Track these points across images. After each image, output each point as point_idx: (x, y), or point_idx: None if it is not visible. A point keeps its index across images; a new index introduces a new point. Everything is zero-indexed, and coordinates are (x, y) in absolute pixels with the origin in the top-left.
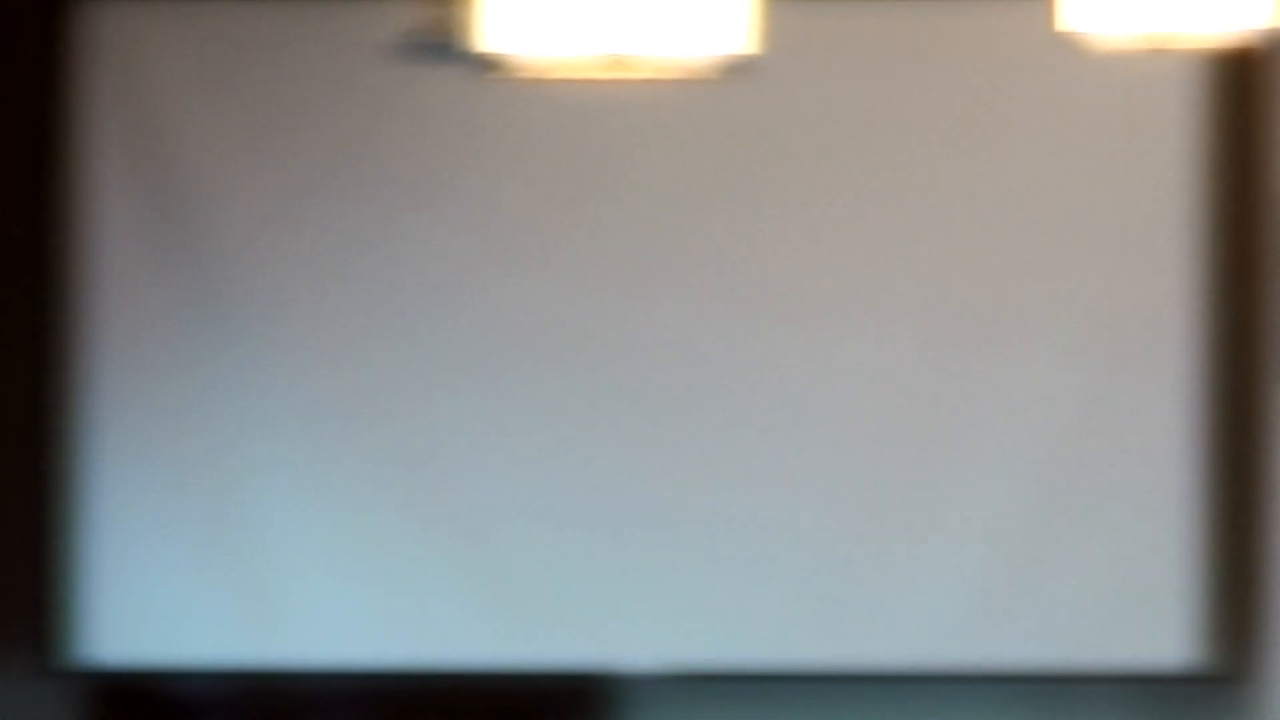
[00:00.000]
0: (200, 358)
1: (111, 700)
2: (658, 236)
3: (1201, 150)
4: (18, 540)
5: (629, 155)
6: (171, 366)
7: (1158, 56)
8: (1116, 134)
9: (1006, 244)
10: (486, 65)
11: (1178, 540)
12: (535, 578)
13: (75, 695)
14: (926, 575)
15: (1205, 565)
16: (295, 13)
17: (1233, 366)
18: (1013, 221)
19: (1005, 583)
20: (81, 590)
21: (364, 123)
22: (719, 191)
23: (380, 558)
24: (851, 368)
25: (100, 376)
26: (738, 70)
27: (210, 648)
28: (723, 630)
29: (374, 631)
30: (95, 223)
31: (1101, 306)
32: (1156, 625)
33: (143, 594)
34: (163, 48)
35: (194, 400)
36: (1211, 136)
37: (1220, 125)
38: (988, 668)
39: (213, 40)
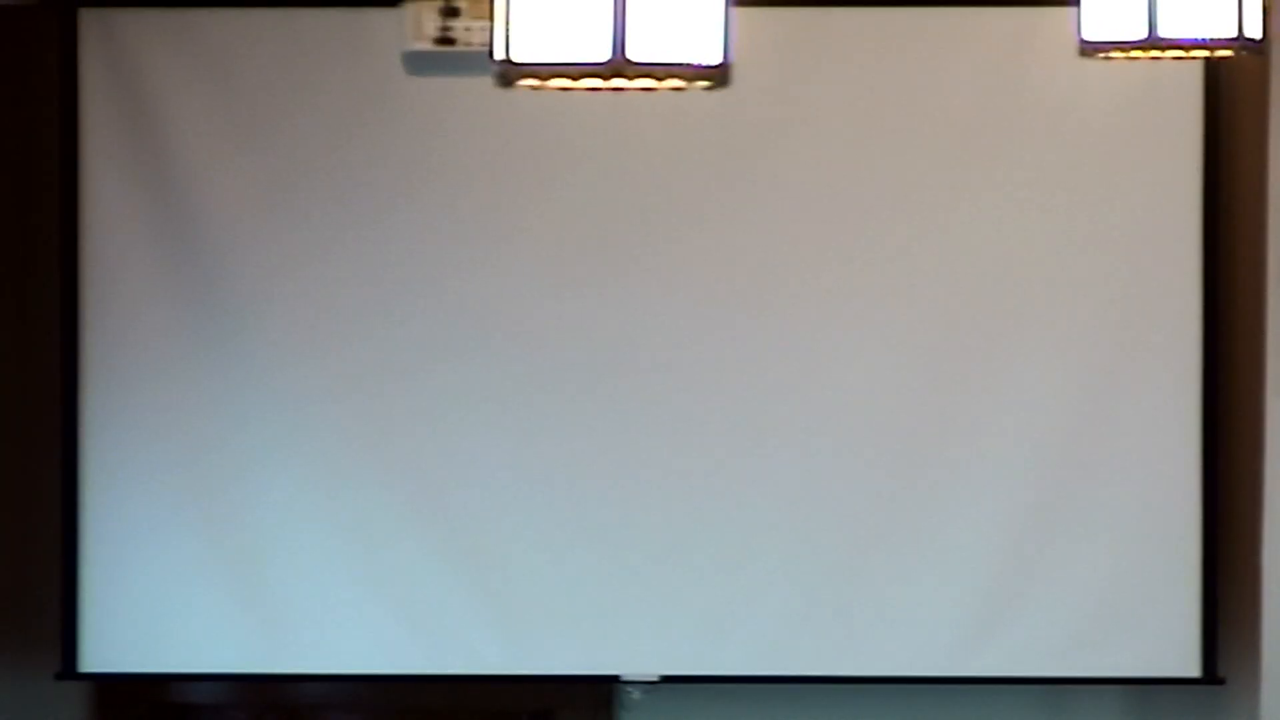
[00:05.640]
0: (200, 361)
1: (114, 705)
2: (661, 237)
3: (1204, 155)
4: (18, 545)
5: (627, 150)
6: (170, 369)
7: (1158, 62)
8: (1118, 138)
9: (1004, 257)
10: (486, 70)
11: (1175, 547)
12: (537, 580)
13: (77, 700)
14: (925, 582)
15: (1202, 571)
16: (287, 17)
17: (1230, 377)
18: (1009, 232)
19: (1004, 589)
20: (83, 595)
21: (350, 121)
22: (721, 192)
23: (381, 564)
24: (853, 377)
25: (102, 378)
26: (725, 80)
27: (213, 653)
28: (725, 638)
29: (374, 637)
30: (92, 223)
31: (1099, 316)
32: (1154, 630)
33: (145, 600)
34: (158, 51)
35: (192, 405)
36: (1213, 141)
37: (1222, 130)
38: (986, 673)
39: (205, 43)
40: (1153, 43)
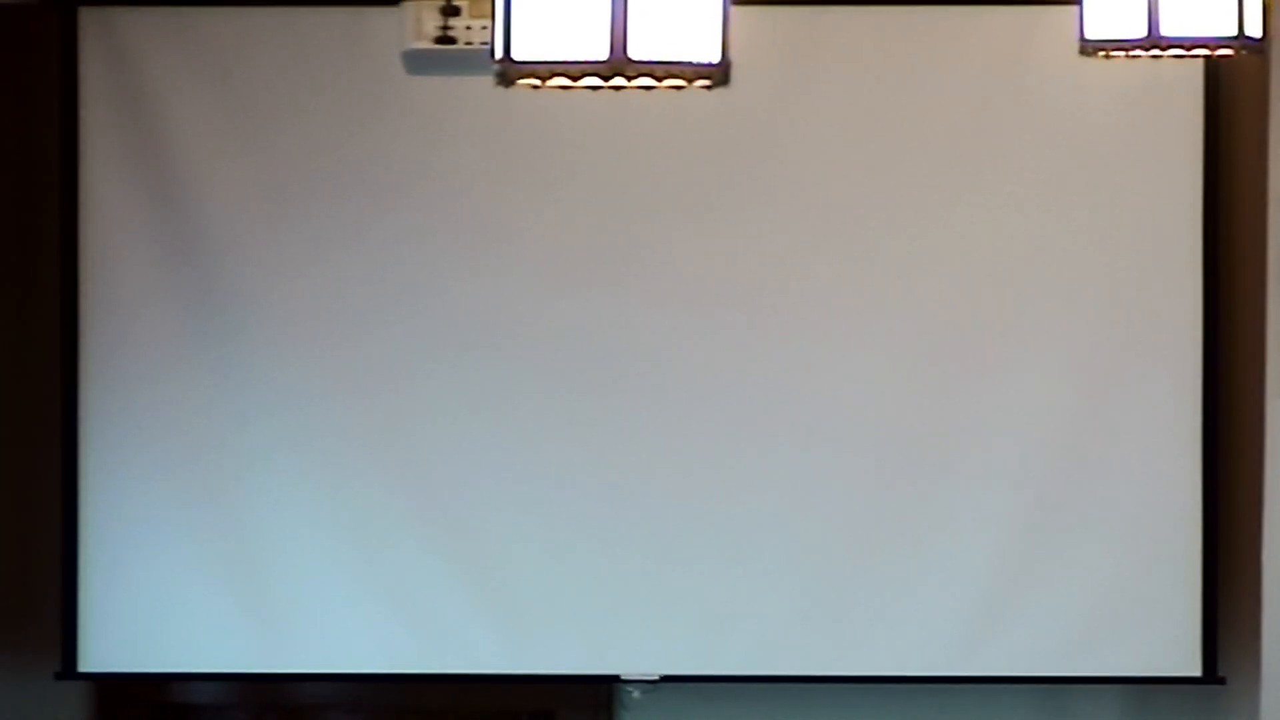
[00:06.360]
0: (200, 361)
1: (114, 705)
2: (661, 237)
3: (1204, 155)
4: (18, 545)
5: (626, 151)
6: (171, 369)
7: (1158, 61)
8: (1118, 137)
9: (1004, 257)
10: (486, 69)
11: (1175, 547)
12: (537, 580)
13: (77, 700)
14: (926, 582)
15: (1203, 571)
16: (287, 17)
17: (1230, 377)
18: (1009, 232)
19: (1004, 589)
20: (83, 595)
21: (350, 121)
22: (721, 192)
23: (381, 564)
24: (854, 377)
25: (102, 378)
26: (724, 79)
27: (213, 653)
28: (725, 638)
29: (374, 637)
30: (92, 223)
31: (1099, 316)
32: (1154, 630)
33: (145, 600)
34: (158, 51)
35: (192, 405)
36: (1213, 141)
37: (1222, 130)
38: (986, 673)
39: (205, 43)
40: (1153, 42)
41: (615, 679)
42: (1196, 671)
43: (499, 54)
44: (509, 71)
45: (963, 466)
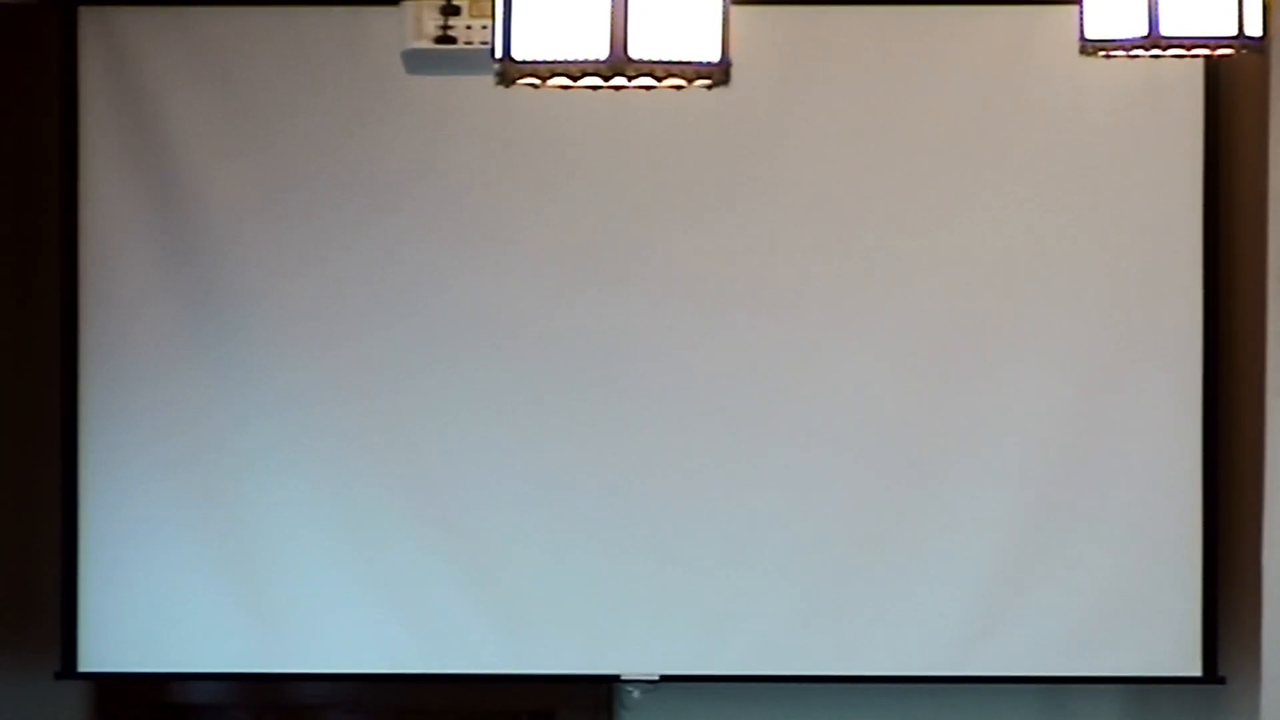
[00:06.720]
0: (200, 361)
1: (114, 705)
2: (661, 237)
3: (1204, 154)
4: (18, 545)
5: (627, 150)
6: (171, 369)
7: (1158, 61)
8: (1118, 137)
9: (1004, 257)
10: (486, 69)
11: (1175, 547)
12: (537, 580)
13: (77, 700)
14: (926, 582)
15: (1203, 571)
16: (287, 17)
17: (1231, 377)
18: (1009, 232)
19: (1004, 589)
20: (83, 595)
21: (351, 120)
22: (721, 192)
23: (381, 564)
24: (854, 377)
25: (102, 378)
26: (724, 79)
27: (213, 653)
28: (725, 638)
29: (374, 637)
30: (92, 223)
31: (1100, 316)
32: (1154, 630)
33: (145, 600)
34: (158, 51)
35: (192, 405)
36: (1213, 140)
37: (1222, 130)
38: (986, 673)
39: (205, 43)
40: (1153, 42)
41: (615, 679)
42: (1196, 671)
43: (499, 53)
44: (509, 71)
45: (963, 466)
